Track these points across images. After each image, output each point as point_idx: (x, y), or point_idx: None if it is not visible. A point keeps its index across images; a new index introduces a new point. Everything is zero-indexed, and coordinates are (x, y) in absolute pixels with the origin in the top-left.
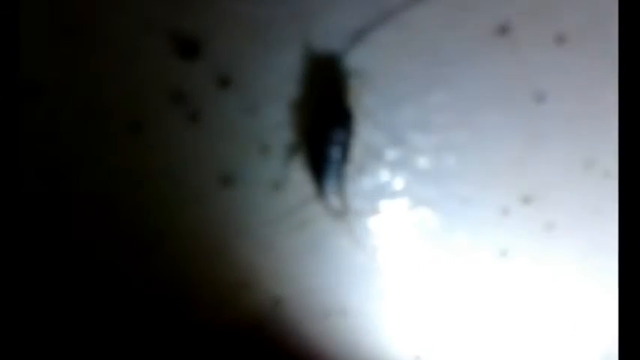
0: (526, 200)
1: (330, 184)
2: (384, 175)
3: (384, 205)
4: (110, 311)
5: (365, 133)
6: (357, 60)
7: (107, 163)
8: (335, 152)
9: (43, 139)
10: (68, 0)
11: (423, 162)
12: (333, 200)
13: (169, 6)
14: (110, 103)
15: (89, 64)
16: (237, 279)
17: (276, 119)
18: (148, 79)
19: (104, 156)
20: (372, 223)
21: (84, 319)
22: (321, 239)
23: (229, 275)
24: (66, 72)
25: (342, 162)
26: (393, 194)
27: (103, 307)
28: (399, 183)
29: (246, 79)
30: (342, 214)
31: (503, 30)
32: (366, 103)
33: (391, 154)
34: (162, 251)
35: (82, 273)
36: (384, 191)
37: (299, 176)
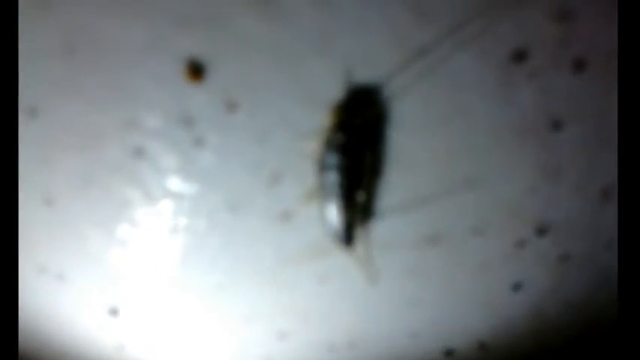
0: (541, 232)
1: (341, 214)
2: (394, 204)
3: (394, 238)
4: None
5: (378, 162)
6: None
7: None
8: (347, 180)
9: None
10: (69, 18)
11: (435, 193)
12: (344, 232)
13: (175, 26)
14: (112, 126)
15: (90, 85)
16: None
17: (285, 146)
18: (152, 102)
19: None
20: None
21: None
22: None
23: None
24: (65, 93)
25: (355, 190)
26: (404, 227)
27: None
28: (411, 214)
29: (254, 103)
30: (352, 245)
31: (520, 56)
32: (383, 130)
33: (404, 183)
34: None
35: None
36: (393, 223)
37: (309, 206)
